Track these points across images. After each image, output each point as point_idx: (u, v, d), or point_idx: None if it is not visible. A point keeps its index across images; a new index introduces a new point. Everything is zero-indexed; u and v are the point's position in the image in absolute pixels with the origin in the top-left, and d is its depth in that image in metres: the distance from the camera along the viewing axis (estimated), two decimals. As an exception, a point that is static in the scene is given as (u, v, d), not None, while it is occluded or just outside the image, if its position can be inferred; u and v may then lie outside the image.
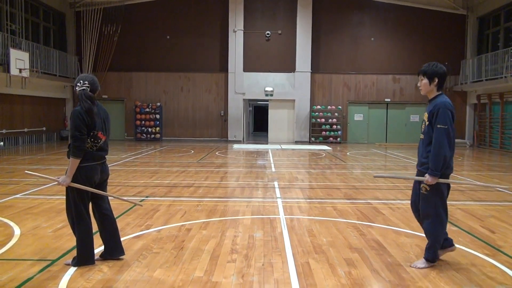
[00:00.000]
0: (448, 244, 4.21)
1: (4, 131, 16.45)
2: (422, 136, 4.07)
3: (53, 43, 21.06)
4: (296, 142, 21.79)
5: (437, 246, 4.06)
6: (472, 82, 20.54)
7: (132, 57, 22.22)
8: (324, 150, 17.71)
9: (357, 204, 7.05)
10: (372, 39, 22.17)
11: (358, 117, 22.52)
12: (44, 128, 19.56)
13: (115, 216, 4.30)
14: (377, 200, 7.34)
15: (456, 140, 17.75)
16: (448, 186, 4.09)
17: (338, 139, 22.08)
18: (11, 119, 17.18)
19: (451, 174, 4.10)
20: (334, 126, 22.09)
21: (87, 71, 21.63)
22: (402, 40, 22.03)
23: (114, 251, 4.19)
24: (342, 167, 12.19)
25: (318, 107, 22.15)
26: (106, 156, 4.19)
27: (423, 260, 4.11)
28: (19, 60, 15.98)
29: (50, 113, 20.57)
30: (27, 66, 16.41)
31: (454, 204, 7.08)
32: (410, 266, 4.10)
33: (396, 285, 3.70)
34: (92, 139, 3.97)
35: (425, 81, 4.04)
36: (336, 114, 22.15)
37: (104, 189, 4.25)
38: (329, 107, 22.17)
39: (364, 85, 22.26)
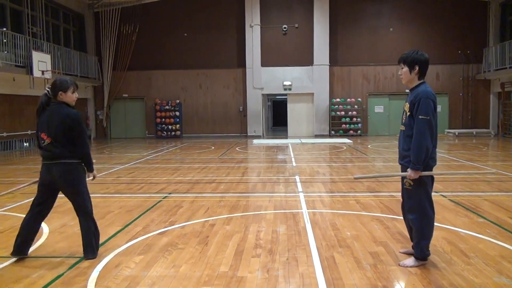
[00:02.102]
0: None
1: (29, 132, 16.82)
2: (402, 128, 3.86)
3: (73, 44, 21.40)
4: (316, 136, 21.68)
5: (424, 243, 3.83)
6: (495, 70, 20.06)
7: (151, 55, 22.40)
8: (344, 143, 17.58)
9: (380, 197, 6.98)
10: (391, 29, 21.85)
11: (378, 109, 22.26)
12: (67, 128, 19.89)
13: (139, 214, 4.34)
14: (400, 193, 7.23)
15: (480, 130, 17.32)
16: (432, 178, 3.89)
17: (359, 131, 21.88)
18: (35, 121, 17.53)
19: (435, 166, 3.87)
20: (354, 119, 21.89)
21: (107, 71, 21.95)
22: (422, 29, 21.64)
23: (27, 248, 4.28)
24: (364, 160, 12.08)
25: (338, 100, 21.98)
26: (58, 159, 4.12)
27: (413, 258, 3.92)
28: (41, 62, 16.31)
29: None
30: (49, 67, 16.75)
31: (481, 195, 6.95)
32: (399, 265, 3.92)
33: (423, 278, 3.66)
34: (37, 138, 4.26)
35: (405, 69, 3.82)
36: (356, 106, 21.95)
37: (70, 199, 4.25)
38: (348, 99, 21.98)
39: (384, 77, 21.97)
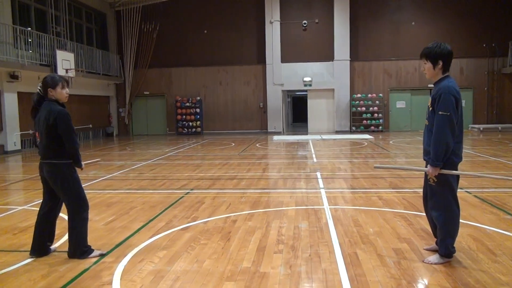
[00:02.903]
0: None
1: (53, 129, 17.16)
2: (427, 122, 3.77)
3: (96, 43, 21.74)
4: (337, 132, 21.53)
5: (450, 240, 3.74)
6: (522, 63, 19.54)
7: (171, 53, 22.58)
8: (366, 139, 17.40)
9: (403, 193, 6.89)
10: (413, 23, 21.49)
11: (400, 104, 21.96)
12: (90, 125, 20.27)
13: (162, 209, 4.38)
14: (422, 189, 7.13)
15: (506, 125, 16.83)
16: (457, 175, 3.79)
17: (380, 127, 21.63)
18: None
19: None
20: (376, 115, 21.65)
21: (129, 68, 22.23)
22: (445, 22, 21.21)
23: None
24: (386, 156, 11.94)
25: (358, 95, 21.77)
26: (47, 159, 4.10)
27: (437, 255, 3.84)
28: (65, 60, 16.62)
29: (95, 110, 21.29)
30: (73, 66, 17.06)
31: (508, 192, 6.80)
32: (423, 261, 3.85)
33: (448, 275, 3.60)
34: (35, 137, 4.26)
35: (429, 65, 3.70)
36: (377, 102, 21.69)
37: (62, 198, 4.20)
38: (369, 95, 21.74)
39: (406, 72, 21.65)
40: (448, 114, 3.50)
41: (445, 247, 3.79)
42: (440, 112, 3.53)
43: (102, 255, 4.21)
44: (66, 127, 4.01)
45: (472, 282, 3.46)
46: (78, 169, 4.23)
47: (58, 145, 4.06)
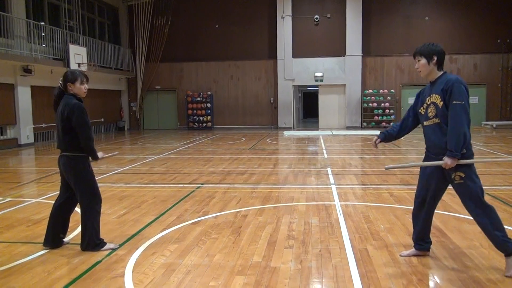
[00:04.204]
0: (427, 247, 3.93)
1: (66, 123, 17.34)
2: (429, 123, 3.63)
3: (108, 37, 21.86)
4: (348, 128, 21.44)
5: (502, 235, 3.46)
6: (536, 59, 19.23)
7: (183, 47, 22.63)
8: (377, 135, 17.26)
9: (414, 190, 6.82)
10: (427, 18, 21.25)
11: (412, 100, 21.65)
12: (102, 119, 20.44)
13: (173, 204, 4.41)
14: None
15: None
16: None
17: (391, 123, 21.47)
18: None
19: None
20: (387, 111, 21.51)
21: (140, 63, 22.33)
22: (459, 17, 20.94)
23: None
24: (397, 152, 11.87)
25: (370, 91, 21.63)
26: (63, 151, 4.18)
27: (506, 259, 3.50)
28: (78, 54, 16.76)
29: (107, 104, 21.45)
30: (85, 60, 17.20)
31: (520, 189, 6.72)
32: (505, 276, 3.48)
33: (461, 272, 3.59)
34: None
35: (423, 61, 3.65)
36: (389, 98, 21.55)
37: (75, 191, 4.24)
38: (381, 91, 21.59)
39: (418, 67, 21.42)
40: (463, 103, 3.44)
41: (504, 244, 3.48)
42: (455, 102, 3.45)
43: (114, 249, 4.26)
44: (80, 120, 4.06)
45: (484, 279, 3.44)
46: (93, 161, 4.29)
47: (73, 138, 4.11)
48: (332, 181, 7.76)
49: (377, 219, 5.22)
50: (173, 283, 3.48)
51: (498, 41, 20.47)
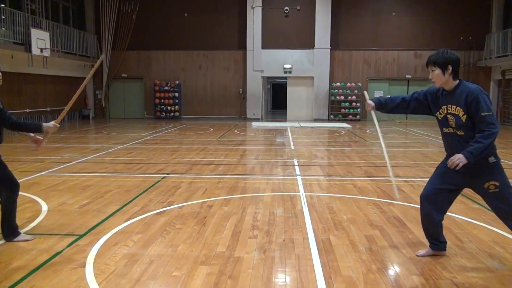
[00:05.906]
0: (442, 247, 3.84)
1: (27, 110, 16.78)
2: (450, 130, 3.52)
3: (73, 22, 21.17)
4: (315, 120, 21.68)
5: None
6: (496, 57, 19.94)
7: (151, 35, 22.19)
8: (343, 127, 17.58)
9: (377, 182, 7.03)
10: (394, 13, 21.64)
11: (378, 94, 22.18)
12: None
13: (138, 194, 4.35)
14: (397, 178, 7.30)
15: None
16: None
17: (358, 116, 21.86)
18: (34, 99, 17.48)
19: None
20: (354, 104, 21.86)
21: (106, 50, 21.76)
22: (424, 14, 21.42)
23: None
24: (362, 145, 12.12)
25: (338, 84, 21.90)
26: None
27: None
28: (40, 39, 16.16)
29: (71, 92, 20.72)
30: (48, 45, 16.60)
31: None
32: None
33: (417, 261, 3.72)
34: None
35: (437, 71, 3.45)
36: (355, 91, 21.88)
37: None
38: (348, 84, 21.90)
39: (384, 62, 21.86)
40: (491, 113, 3.32)
41: None
42: (483, 114, 3.31)
43: (28, 240, 4.14)
44: None
45: (439, 268, 3.58)
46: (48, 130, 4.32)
47: None
48: (298, 172, 7.85)
49: (341, 209, 5.33)
50: (135, 273, 3.45)
51: (462, 38, 21.11)
